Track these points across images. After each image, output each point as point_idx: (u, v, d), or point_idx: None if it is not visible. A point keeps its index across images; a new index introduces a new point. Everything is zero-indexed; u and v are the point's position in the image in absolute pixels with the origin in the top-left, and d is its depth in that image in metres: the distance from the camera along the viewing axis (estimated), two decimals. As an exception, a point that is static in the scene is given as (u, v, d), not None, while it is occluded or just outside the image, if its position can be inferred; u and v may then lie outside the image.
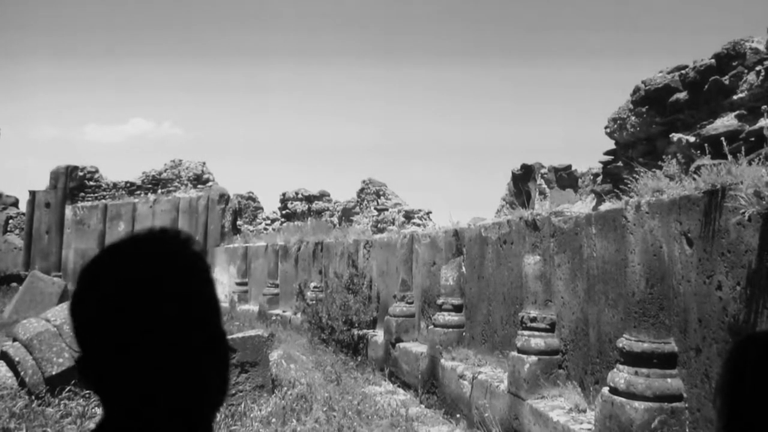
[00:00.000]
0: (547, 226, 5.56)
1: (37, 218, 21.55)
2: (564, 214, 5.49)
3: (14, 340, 6.11)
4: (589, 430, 4.34)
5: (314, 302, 10.72)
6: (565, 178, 14.26)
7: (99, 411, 4.96)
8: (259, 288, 14.71)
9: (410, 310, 8.51)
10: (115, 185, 22.53)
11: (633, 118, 8.52)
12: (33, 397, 5.44)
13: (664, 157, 6.32)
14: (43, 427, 4.89)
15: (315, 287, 11.76)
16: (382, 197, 21.66)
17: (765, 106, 6.81)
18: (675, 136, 7.70)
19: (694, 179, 3.93)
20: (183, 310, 0.78)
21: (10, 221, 24.32)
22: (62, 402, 5.36)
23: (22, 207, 23.48)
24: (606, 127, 9.19)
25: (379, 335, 9.10)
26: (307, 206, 22.88)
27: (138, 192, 22.36)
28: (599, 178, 10.84)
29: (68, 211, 21.71)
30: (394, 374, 8.21)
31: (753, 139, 6.46)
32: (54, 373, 5.63)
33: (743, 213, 3.30)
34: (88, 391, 5.44)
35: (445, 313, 7.28)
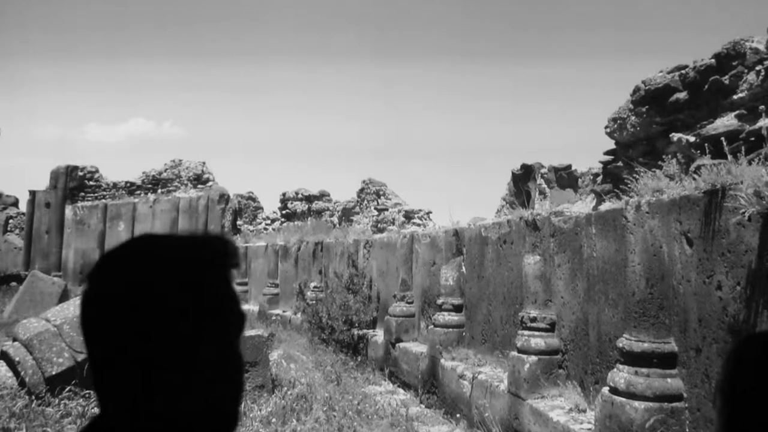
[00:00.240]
0: (547, 226, 5.56)
1: (37, 218, 21.55)
2: (564, 214, 5.49)
3: (14, 339, 6.11)
4: (589, 430, 4.34)
5: (314, 302, 10.72)
6: (565, 178, 14.26)
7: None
8: (259, 288, 14.71)
9: (410, 310, 8.51)
10: (115, 185, 22.54)
11: (633, 118, 8.52)
12: (33, 397, 5.44)
13: (664, 157, 6.31)
14: (43, 426, 4.89)
15: (315, 287, 11.77)
16: (382, 197, 21.66)
17: (765, 106, 6.81)
18: (675, 136, 7.70)
19: (694, 179, 3.93)
20: (195, 321, 0.76)
21: (10, 221, 24.32)
22: (62, 402, 5.35)
23: (22, 207, 23.51)
24: (606, 127, 9.19)
25: (379, 335, 9.10)
26: (307, 206, 22.88)
27: (138, 192, 22.37)
28: (599, 178, 10.84)
29: (68, 210, 21.71)
30: (394, 374, 8.21)
31: (753, 138, 6.45)
32: (54, 373, 5.62)
33: (743, 213, 3.30)
34: (88, 391, 5.44)
35: (445, 313, 7.28)
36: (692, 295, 3.76)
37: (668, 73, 8.21)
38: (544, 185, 14.35)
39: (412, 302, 8.54)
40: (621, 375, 3.99)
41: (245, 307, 14.60)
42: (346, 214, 22.40)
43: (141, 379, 0.74)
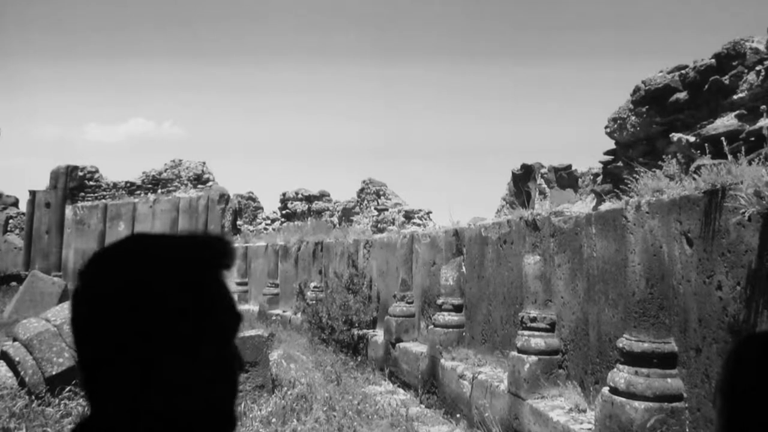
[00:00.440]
0: (547, 226, 5.56)
1: (38, 218, 21.55)
2: (564, 214, 5.48)
3: (14, 339, 6.11)
4: (589, 430, 4.34)
5: (314, 302, 10.72)
6: (565, 178, 14.26)
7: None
8: (259, 288, 14.71)
9: (410, 310, 8.51)
10: (115, 185, 22.54)
11: (633, 118, 8.52)
12: (33, 397, 5.44)
13: (664, 157, 6.31)
14: (43, 426, 4.89)
15: (315, 287, 11.77)
16: (382, 197, 21.66)
17: (765, 106, 6.81)
18: (675, 136, 7.70)
19: (694, 179, 3.93)
20: (194, 321, 0.76)
21: (10, 221, 24.32)
22: (62, 402, 5.35)
23: (23, 207, 23.51)
24: (606, 127, 9.19)
25: (379, 335, 9.10)
26: (307, 206, 22.88)
27: (138, 192, 22.37)
28: (599, 178, 10.84)
29: (68, 211, 21.71)
30: (394, 374, 8.21)
31: (753, 138, 6.45)
32: (54, 373, 5.62)
33: (743, 213, 3.30)
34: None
35: (445, 313, 7.28)
36: (692, 295, 3.76)
37: (668, 73, 8.21)
38: (544, 185, 14.35)
39: (412, 302, 8.54)
40: (621, 375, 3.99)
41: (245, 307, 14.60)
42: (346, 214, 22.40)
43: (139, 379, 0.74)
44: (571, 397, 4.90)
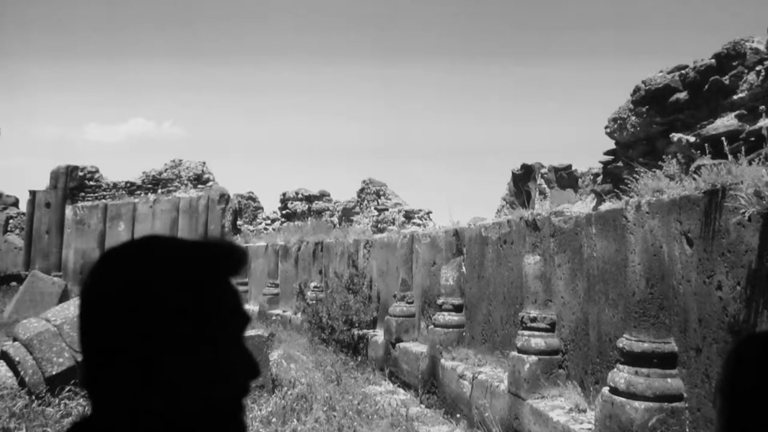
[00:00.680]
0: (547, 226, 5.56)
1: (38, 218, 21.55)
2: (564, 214, 5.49)
3: (14, 339, 6.11)
4: (590, 429, 4.34)
5: (314, 302, 10.72)
6: (565, 178, 14.26)
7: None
8: (259, 288, 14.71)
9: (410, 310, 8.51)
10: (115, 185, 22.53)
11: (633, 118, 8.52)
12: (33, 397, 5.44)
13: (664, 157, 6.31)
14: (44, 426, 4.89)
15: (315, 287, 11.77)
16: (382, 197, 21.67)
17: (765, 106, 6.81)
18: (675, 136, 7.70)
19: (694, 179, 3.93)
20: (199, 322, 0.75)
21: (11, 221, 24.33)
22: (62, 402, 5.35)
23: (23, 207, 23.50)
24: (606, 127, 9.19)
25: (379, 335, 9.10)
26: (307, 206, 22.89)
27: (138, 192, 22.37)
28: (599, 178, 10.84)
29: (68, 211, 21.71)
30: (394, 374, 8.22)
31: (753, 139, 6.45)
32: (54, 372, 5.63)
33: (743, 213, 3.30)
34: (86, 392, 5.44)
35: (445, 313, 7.28)
36: (692, 295, 3.76)
37: (668, 73, 8.21)
38: (544, 185, 14.35)
39: (412, 302, 8.54)
40: (621, 375, 3.99)
41: (245, 306, 14.59)
42: (346, 214, 22.41)
43: (142, 379, 0.74)
44: (571, 397, 4.90)
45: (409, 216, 20.52)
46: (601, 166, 10.26)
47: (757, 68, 7.12)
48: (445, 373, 6.80)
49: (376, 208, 21.50)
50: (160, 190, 22.23)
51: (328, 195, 23.72)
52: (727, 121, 7.20)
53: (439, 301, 7.42)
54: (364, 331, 9.52)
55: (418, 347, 7.91)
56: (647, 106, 8.28)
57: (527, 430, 5.05)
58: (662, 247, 4.01)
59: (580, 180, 14.19)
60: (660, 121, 8.18)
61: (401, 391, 7.79)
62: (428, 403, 7.00)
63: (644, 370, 3.89)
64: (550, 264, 5.49)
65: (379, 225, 19.92)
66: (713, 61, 7.61)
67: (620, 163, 8.73)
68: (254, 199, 23.86)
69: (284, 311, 13.08)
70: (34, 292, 12.37)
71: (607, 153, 9.63)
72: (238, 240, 18.14)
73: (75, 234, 21.47)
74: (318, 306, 10.26)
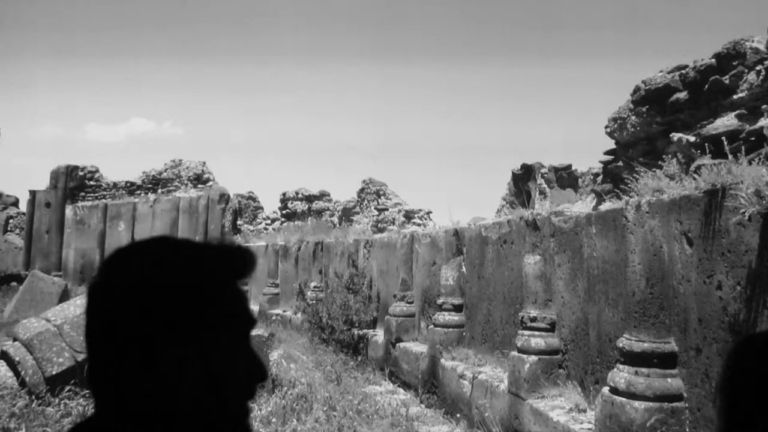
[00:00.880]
0: (548, 226, 5.56)
1: (38, 218, 21.55)
2: (564, 213, 5.48)
3: (14, 339, 6.11)
4: (590, 429, 4.34)
5: (314, 302, 10.72)
6: (565, 178, 14.26)
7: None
8: (259, 288, 14.71)
9: (410, 310, 8.51)
10: (115, 185, 22.53)
11: (633, 117, 8.52)
12: (33, 397, 5.44)
13: (664, 156, 6.31)
14: (44, 426, 4.89)
15: (315, 287, 11.77)
16: (382, 197, 21.67)
17: (765, 106, 6.81)
18: (675, 136, 7.70)
19: (695, 179, 3.93)
20: (204, 323, 0.76)
21: (11, 221, 24.33)
22: (62, 402, 5.35)
23: (23, 207, 23.49)
24: (606, 127, 9.19)
25: (379, 335, 9.10)
26: (307, 206, 22.89)
27: (138, 192, 22.36)
28: (599, 178, 10.84)
29: (68, 210, 21.71)
30: (395, 374, 8.21)
31: (753, 138, 6.46)
32: (54, 372, 5.63)
33: (743, 213, 3.30)
34: (88, 391, 5.44)
35: (446, 313, 7.28)
36: (692, 295, 3.76)
37: (668, 73, 8.21)
38: (544, 185, 14.35)
39: (412, 302, 8.54)
40: (621, 375, 3.98)
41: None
42: (347, 214, 22.41)
43: (147, 379, 0.73)
44: (571, 397, 4.89)
45: (409, 216, 20.52)
46: (601, 165, 10.27)
47: (757, 68, 7.12)
48: (445, 373, 6.80)
49: (376, 208, 21.50)
50: (160, 190, 22.23)
51: (328, 195, 23.73)
52: (727, 121, 7.20)
53: (439, 301, 7.42)
54: (364, 330, 9.52)
55: (418, 347, 7.91)
56: (647, 106, 8.28)
57: (527, 430, 5.05)
58: (662, 246, 4.01)
59: (580, 180, 14.19)
60: (660, 121, 8.18)
61: (401, 390, 7.79)
62: (428, 403, 7.00)
63: (644, 370, 3.89)
64: (550, 264, 5.49)
65: (379, 225, 19.92)
66: (713, 60, 7.62)
67: (620, 163, 8.74)
68: (254, 199, 23.87)
69: (284, 311, 13.08)
70: (35, 291, 12.37)
71: (607, 153, 9.64)
72: (238, 240, 18.14)
73: (75, 234, 21.47)
74: (318, 306, 10.26)
